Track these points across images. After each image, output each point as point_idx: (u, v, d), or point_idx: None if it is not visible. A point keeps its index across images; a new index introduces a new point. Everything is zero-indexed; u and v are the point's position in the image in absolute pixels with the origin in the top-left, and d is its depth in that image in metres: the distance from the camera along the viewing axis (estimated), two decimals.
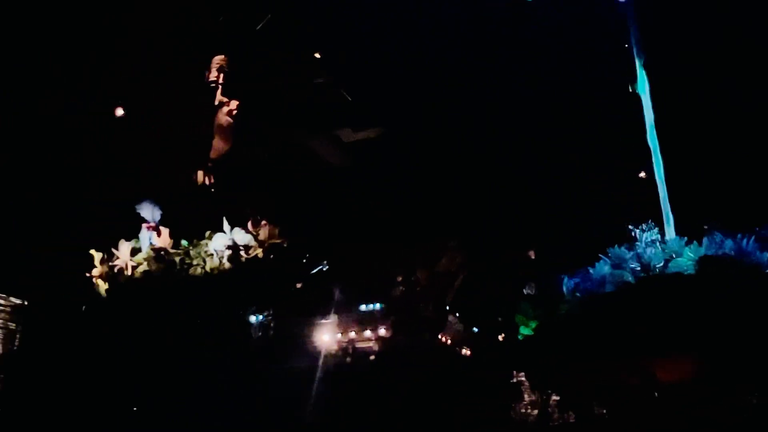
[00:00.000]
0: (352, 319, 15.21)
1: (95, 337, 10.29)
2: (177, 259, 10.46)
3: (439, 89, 13.69)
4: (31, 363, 10.81)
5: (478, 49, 12.92)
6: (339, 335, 15.13)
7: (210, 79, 10.97)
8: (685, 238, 9.54)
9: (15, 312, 11.10)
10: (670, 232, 10.06)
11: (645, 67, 10.78)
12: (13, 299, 11.08)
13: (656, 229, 9.87)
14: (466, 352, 16.68)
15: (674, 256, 9.25)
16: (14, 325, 11.08)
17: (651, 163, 11.07)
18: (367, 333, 15.28)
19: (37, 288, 11.03)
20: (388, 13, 12.34)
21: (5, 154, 10.63)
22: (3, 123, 10.17)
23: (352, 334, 15.31)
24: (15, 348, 11.05)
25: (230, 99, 11.03)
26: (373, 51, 12.71)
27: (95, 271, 10.39)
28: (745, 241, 9.08)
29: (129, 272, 10.35)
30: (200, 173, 10.74)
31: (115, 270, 10.36)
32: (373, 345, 15.31)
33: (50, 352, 10.71)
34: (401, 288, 14.51)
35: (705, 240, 9.31)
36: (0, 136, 10.28)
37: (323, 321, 14.01)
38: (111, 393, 10.48)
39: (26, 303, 11.13)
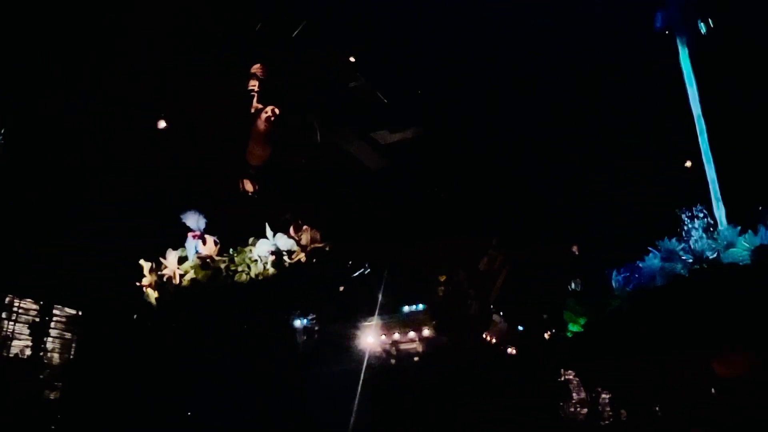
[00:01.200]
0: (396, 320, 15.19)
1: (147, 344, 10.54)
2: (222, 266, 10.63)
3: (475, 87, 13.56)
4: (88, 371, 11.15)
5: (516, 45, 12.75)
6: (383, 337, 15.13)
7: (249, 87, 11.11)
8: (739, 227, 9.19)
9: (70, 322, 11.47)
10: (723, 220, 9.70)
11: (689, 48, 10.44)
12: (68, 309, 11.45)
13: (707, 219, 9.54)
14: (511, 350, 16.48)
15: (728, 246, 8.92)
16: (70, 334, 11.46)
17: (697, 151, 10.72)
18: (411, 334, 15.23)
19: (91, 298, 11.36)
20: (421, 13, 12.29)
21: (64, 170, 10.96)
22: (64, 135, 10.48)
23: (396, 336, 15.29)
24: (71, 357, 11.41)
25: (267, 105, 11.14)
26: (407, 50, 12.67)
27: (145, 281, 10.62)
28: None
29: (177, 281, 10.56)
30: (243, 181, 10.88)
31: (164, 279, 10.58)
32: (417, 346, 15.26)
33: (105, 360, 11.02)
34: (444, 288, 14.42)
35: (760, 228, 8.96)
36: (62, 149, 10.58)
37: (367, 323, 14.03)
38: (164, 399, 10.72)
39: (80, 313, 11.48)
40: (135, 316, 10.72)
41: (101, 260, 11.07)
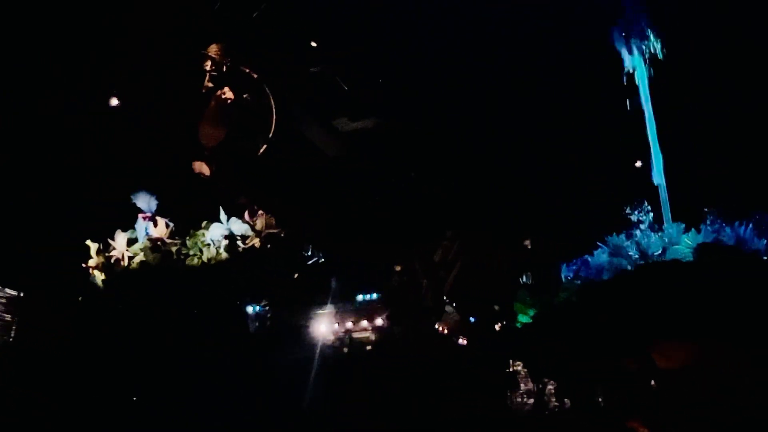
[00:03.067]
0: (349, 309, 15.18)
1: (92, 327, 10.25)
2: (174, 249, 10.44)
3: (435, 79, 13.62)
4: (27, 354, 10.77)
5: (476, 39, 12.86)
6: (336, 325, 15.12)
7: (206, 69, 10.87)
8: (683, 226, 9.58)
9: (11, 303, 11.05)
10: (668, 219, 10.10)
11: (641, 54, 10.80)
12: (8, 291, 11.02)
13: (653, 217, 9.91)
14: (462, 341, 16.70)
15: (672, 243, 9.28)
16: (9, 316, 11.04)
17: (647, 151, 11.11)
18: (364, 323, 15.26)
19: (34, 279, 10.97)
20: (385, 1, 12.25)
21: (1, 148, 10.54)
22: (13, 110, 10.08)
23: (349, 325, 15.30)
24: (10, 339, 11.01)
25: (222, 86, 10.94)
26: (370, 39, 12.62)
27: (92, 262, 10.36)
28: (743, 228, 9.12)
29: (125, 263, 10.33)
30: (197, 163, 10.68)
31: (112, 261, 10.33)
32: (370, 335, 15.30)
33: (46, 344, 10.67)
34: (398, 278, 14.48)
35: (703, 227, 9.35)
36: (7, 125, 10.17)
37: (320, 311, 13.99)
38: (107, 384, 10.46)
39: (22, 294, 11.08)
40: (80, 298, 10.41)
41: (45, 240, 10.70)
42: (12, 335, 10.95)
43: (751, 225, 9.12)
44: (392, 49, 12.85)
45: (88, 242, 10.37)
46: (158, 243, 10.38)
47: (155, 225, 10.49)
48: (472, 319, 16.76)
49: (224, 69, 10.90)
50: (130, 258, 10.35)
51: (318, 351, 12.53)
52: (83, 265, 10.33)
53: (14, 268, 10.84)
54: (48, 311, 10.76)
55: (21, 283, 11.01)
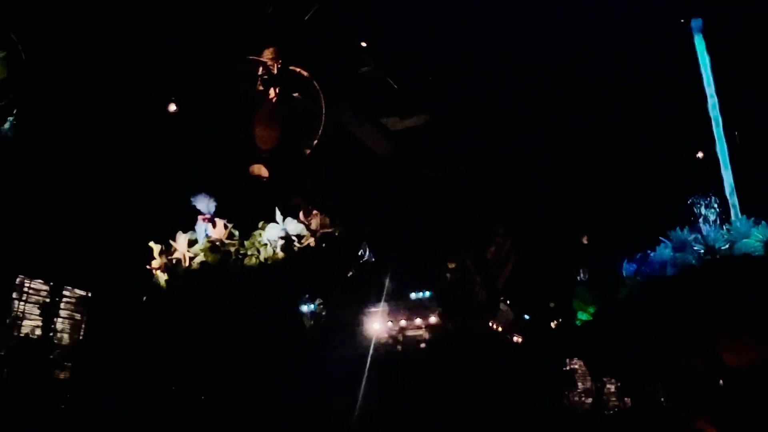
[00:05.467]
0: (402, 307, 15.23)
1: (157, 326, 10.59)
2: (232, 249, 10.64)
3: (487, 76, 13.46)
4: (97, 352, 11.22)
5: (528, 32, 12.64)
6: (389, 323, 15.19)
7: (260, 72, 11.05)
8: (752, 219, 9.16)
9: (80, 303, 11.52)
10: (736, 212, 9.67)
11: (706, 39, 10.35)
12: (77, 291, 11.50)
13: (720, 210, 9.51)
14: (517, 339, 16.53)
15: (741, 237, 8.89)
16: (79, 315, 11.52)
17: (711, 141, 10.65)
18: (418, 321, 15.29)
19: (101, 280, 11.41)
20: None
21: (65, 149, 10.96)
22: (63, 118, 10.50)
23: (403, 323, 15.35)
24: (81, 338, 11.48)
25: (275, 88, 11.08)
26: (420, 36, 12.58)
27: (155, 263, 10.64)
28: None
29: (186, 263, 10.58)
30: (255, 166, 10.87)
31: (174, 261, 10.60)
32: (423, 333, 15.32)
33: (114, 342, 11.09)
34: (451, 275, 14.43)
35: None
36: (56, 131, 10.59)
37: (374, 309, 14.07)
38: (172, 382, 10.79)
39: (90, 294, 11.53)
40: (144, 298, 10.75)
41: (112, 242, 11.10)
42: (82, 334, 11.44)
43: None
44: (442, 47, 12.77)
45: (152, 244, 10.67)
46: (217, 244, 10.59)
47: (214, 226, 10.71)
48: (526, 317, 16.57)
49: (276, 71, 11.05)
50: (191, 258, 10.60)
51: (371, 349, 12.60)
52: (147, 266, 10.64)
53: (83, 269, 11.31)
54: (115, 311, 11.19)
55: (89, 283, 11.48)
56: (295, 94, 10.90)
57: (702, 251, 9.01)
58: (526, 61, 12.85)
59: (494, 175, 14.91)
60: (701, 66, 10.26)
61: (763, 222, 8.98)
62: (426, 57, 13.00)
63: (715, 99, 10.22)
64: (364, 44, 12.27)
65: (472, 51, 13.05)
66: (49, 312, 11.18)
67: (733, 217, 9.49)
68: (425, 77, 13.59)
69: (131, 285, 10.95)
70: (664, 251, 9.35)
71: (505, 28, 12.56)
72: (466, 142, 14.33)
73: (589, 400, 14.94)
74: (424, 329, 15.22)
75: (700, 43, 10.38)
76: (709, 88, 10.24)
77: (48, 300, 11.19)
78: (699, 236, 9.14)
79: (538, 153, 14.37)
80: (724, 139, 10.35)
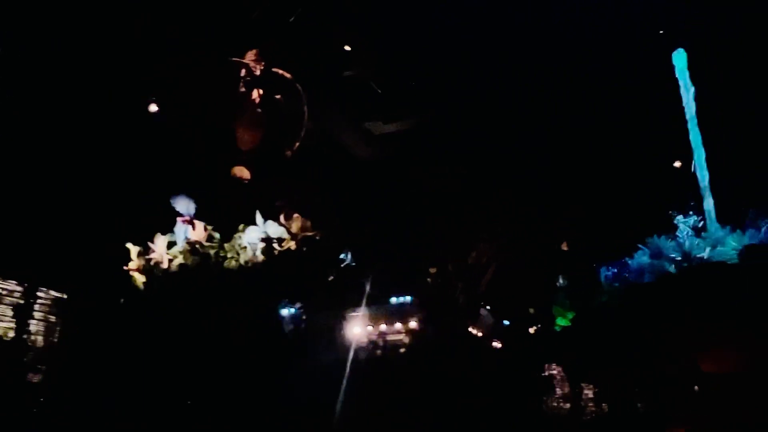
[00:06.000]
0: (383, 311, 15.22)
1: (133, 329, 10.44)
2: (212, 252, 10.54)
3: (470, 82, 13.55)
4: (72, 355, 11.03)
5: (509, 38, 12.75)
6: (370, 328, 15.16)
7: (242, 75, 11.00)
8: (728, 227, 9.33)
9: (55, 305, 11.33)
10: (712, 220, 9.84)
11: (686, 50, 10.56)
12: (53, 292, 11.31)
13: (697, 218, 9.66)
14: (496, 344, 16.58)
15: (717, 245, 9.05)
16: (54, 318, 11.32)
17: (688, 149, 10.82)
18: (398, 326, 15.29)
19: (77, 281, 11.24)
20: (419, 4, 12.24)
21: (42, 150, 10.81)
22: (44, 118, 10.35)
23: (383, 327, 15.33)
24: (55, 340, 11.29)
25: (258, 90, 11.04)
26: (405, 43, 12.63)
27: (132, 265, 10.50)
28: None
29: (165, 265, 10.46)
30: (236, 168, 10.80)
31: (152, 263, 10.47)
32: (403, 338, 15.31)
33: (90, 344, 10.91)
34: (432, 281, 14.46)
35: (748, 228, 9.10)
36: (39, 132, 10.44)
37: (354, 314, 14.03)
38: (147, 384, 10.63)
39: (66, 296, 11.35)
40: (121, 301, 10.61)
41: (88, 243, 10.94)
42: (56, 336, 11.23)
43: None
44: (426, 52, 12.83)
45: (129, 245, 10.54)
46: (196, 246, 10.48)
47: (194, 228, 10.60)
48: (506, 322, 16.64)
49: (258, 72, 11.01)
50: (170, 261, 10.48)
51: (351, 353, 12.57)
52: (124, 268, 10.50)
53: (59, 271, 11.13)
54: (91, 313, 11.02)
55: (65, 284, 11.30)
56: (278, 96, 10.86)
57: (678, 258, 9.15)
58: (509, 63, 12.95)
59: (479, 181, 15.00)
60: (683, 96, 10.43)
61: (738, 230, 9.16)
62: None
63: (693, 111, 10.40)
64: (347, 48, 12.29)
65: (457, 55, 13.13)
66: (23, 314, 10.97)
67: (709, 225, 9.65)
68: (409, 82, 13.64)
69: (108, 287, 10.79)
70: (642, 258, 9.49)
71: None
72: (462, 143, 14.40)
73: (567, 405, 15.01)
74: (404, 334, 15.22)
75: (682, 73, 10.58)
76: (688, 102, 10.42)
77: (22, 302, 10.99)
78: (676, 244, 9.29)
79: (523, 160, 14.49)
80: (701, 148, 10.55)
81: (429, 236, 14.09)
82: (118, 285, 10.50)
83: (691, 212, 9.70)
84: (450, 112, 13.82)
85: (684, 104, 10.48)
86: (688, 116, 10.56)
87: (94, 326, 11.14)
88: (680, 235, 9.42)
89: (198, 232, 10.61)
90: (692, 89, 10.50)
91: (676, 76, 10.59)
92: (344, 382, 11.40)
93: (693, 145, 10.46)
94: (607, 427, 12.20)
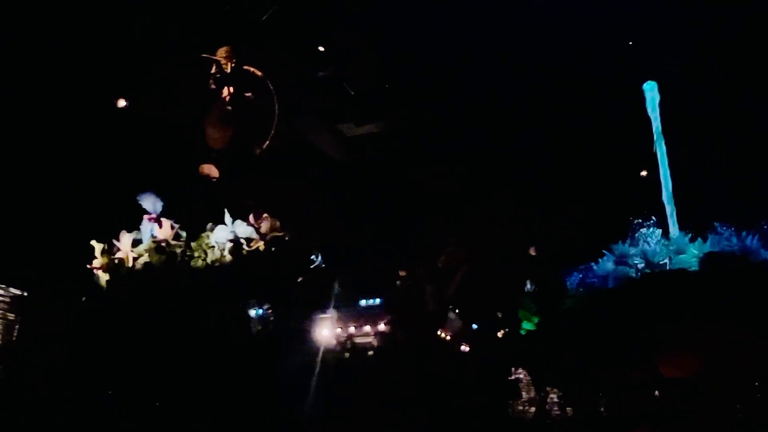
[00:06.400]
0: (352, 314, 15.18)
1: (95, 328, 10.21)
2: (178, 250, 10.37)
3: (442, 85, 13.64)
4: (31, 354, 10.74)
5: (481, 45, 12.87)
6: (338, 330, 15.10)
7: (213, 71, 10.87)
8: (689, 235, 9.57)
9: (14, 303, 11.02)
10: (674, 228, 10.09)
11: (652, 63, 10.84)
12: (12, 290, 11.00)
13: (659, 231, 9.91)
14: (465, 348, 16.65)
15: (678, 252, 9.27)
16: (13, 316, 11.00)
17: (653, 159, 11.10)
18: (367, 328, 15.26)
19: (38, 279, 10.96)
20: (395, 5, 12.28)
21: (5, 144, 10.54)
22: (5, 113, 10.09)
23: (352, 330, 15.29)
24: (14, 339, 10.97)
25: (228, 88, 10.92)
26: (378, 44, 12.65)
27: (96, 263, 10.27)
28: (750, 238, 9.12)
29: (130, 264, 10.26)
30: (205, 166, 10.66)
31: (116, 261, 10.26)
32: (372, 340, 15.28)
33: (50, 343, 10.63)
34: (401, 283, 14.47)
35: (710, 237, 9.35)
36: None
37: (323, 316, 13.95)
38: (110, 385, 10.41)
39: (26, 294, 11.04)
40: (83, 299, 10.37)
41: (50, 239, 10.68)
42: (15, 335, 10.92)
43: (758, 235, 9.12)
44: (400, 55, 12.87)
45: (93, 242, 10.31)
46: (163, 244, 10.30)
47: (160, 226, 10.42)
48: (474, 326, 16.71)
49: (229, 70, 10.90)
50: (135, 259, 10.28)
51: (320, 355, 12.49)
52: (88, 266, 10.26)
53: (18, 268, 10.84)
54: (52, 311, 10.74)
55: (25, 282, 11.00)
56: (248, 94, 10.76)
57: (642, 265, 9.35)
58: (478, 67, 13.06)
59: (448, 185, 15.07)
60: (653, 126, 10.74)
61: (699, 238, 9.40)
62: (384, 64, 13.07)
63: (659, 123, 10.68)
64: (321, 48, 12.25)
65: (430, 58, 13.18)
66: None
67: (671, 233, 9.90)
68: (382, 84, 13.66)
69: (70, 285, 10.55)
70: (607, 264, 9.68)
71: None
72: (422, 151, 14.46)
73: (533, 409, 15.15)
74: (373, 337, 15.20)
75: (652, 104, 10.91)
76: (654, 114, 10.70)
77: None
78: (639, 250, 9.50)
79: (491, 164, 14.62)
80: (666, 159, 10.83)
81: (399, 239, 14.11)
82: (81, 283, 10.27)
83: (654, 219, 9.94)
84: (421, 116, 13.90)
85: (654, 130, 10.77)
86: (653, 127, 10.84)
87: (55, 325, 10.88)
88: (644, 243, 9.63)
89: (164, 231, 10.43)
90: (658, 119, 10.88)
91: (646, 105, 10.94)
92: (312, 384, 11.33)
93: (659, 154, 10.75)
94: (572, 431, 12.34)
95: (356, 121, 13.69)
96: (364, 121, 13.71)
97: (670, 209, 10.39)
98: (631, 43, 12.16)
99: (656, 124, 10.97)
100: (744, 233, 9.20)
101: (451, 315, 16.11)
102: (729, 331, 8.37)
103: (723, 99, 12.59)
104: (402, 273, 14.03)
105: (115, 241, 10.29)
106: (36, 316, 11.01)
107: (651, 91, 11.46)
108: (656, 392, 9.33)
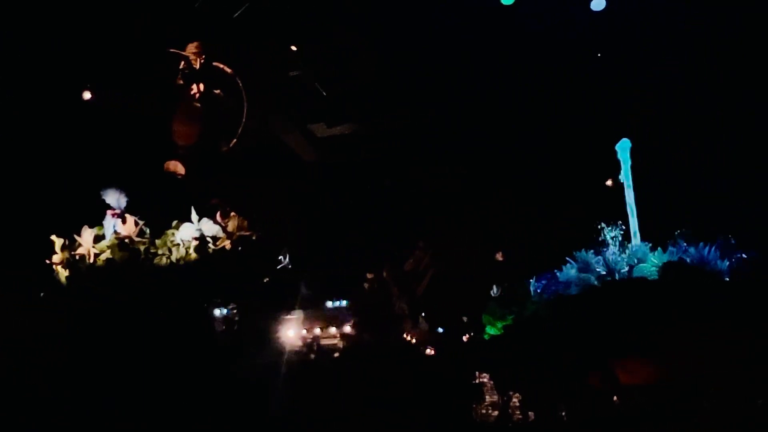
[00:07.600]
0: (318, 315, 15.11)
1: (54, 325, 9.98)
2: (142, 247, 10.23)
3: (413, 87, 13.71)
4: None
5: (456, 47, 12.98)
6: (304, 331, 15.02)
7: (182, 67, 10.75)
8: (650, 245, 9.82)
9: None
10: (636, 237, 10.35)
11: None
12: None
13: (621, 234, 10.13)
14: (429, 351, 16.73)
15: (639, 261, 9.49)
16: None
17: (617, 169, 11.35)
18: (333, 330, 15.20)
19: None
20: (369, 5, 12.29)
21: None
22: None
23: (317, 331, 15.21)
24: None
25: (197, 84, 10.82)
26: (352, 44, 12.65)
27: (56, 258, 10.07)
28: (707, 249, 9.39)
29: (91, 260, 10.07)
30: (171, 162, 10.53)
31: (77, 257, 10.07)
32: (337, 342, 15.24)
33: (6, 340, 10.36)
34: (368, 286, 14.48)
35: (669, 246, 9.60)
36: None
37: (288, 316, 13.88)
38: (68, 383, 10.18)
39: None
40: (42, 295, 10.13)
41: (7, 234, 10.41)
42: None
43: (715, 247, 9.42)
44: (375, 56, 12.90)
45: (53, 237, 10.09)
46: (126, 241, 10.14)
47: (124, 222, 10.26)
48: (440, 330, 16.81)
49: (198, 66, 10.78)
50: (96, 255, 10.10)
51: (285, 356, 12.42)
52: (47, 261, 10.04)
53: None
54: (8, 307, 10.46)
55: None
56: (217, 91, 10.67)
57: (603, 272, 9.55)
58: (452, 71, 13.15)
59: (416, 189, 15.15)
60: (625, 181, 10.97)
61: (659, 248, 9.66)
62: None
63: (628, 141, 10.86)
64: (294, 48, 12.21)
65: (405, 60, 13.22)
66: None
67: (633, 242, 10.14)
68: (355, 85, 13.65)
69: (29, 281, 10.29)
70: (570, 271, 9.87)
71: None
72: (391, 152, 14.50)
73: (496, 413, 15.30)
74: (339, 338, 15.15)
75: (625, 160, 11.18)
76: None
77: None
78: (602, 258, 9.71)
79: (460, 169, 14.73)
80: (629, 170, 11.09)
81: (367, 241, 14.14)
82: (40, 279, 10.04)
83: (618, 229, 10.16)
84: (395, 118, 13.95)
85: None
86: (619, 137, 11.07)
87: (13, 322, 10.60)
88: (606, 251, 9.86)
89: (128, 227, 10.28)
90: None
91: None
92: (276, 384, 11.25)
93: (622, 165, 10.99)
94: None
95: (328, 122, 13.68)
96: (336, 122, 13.71)
97: (632, 221, 10.66)
98: (600, 55, 12.39)
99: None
100: (701, 244, 9.51)
101: (417, 318, 16.17)
102: (686, 338, 8.59)
103: (691, 110, 12.88)
104: (369, 275, 14.06)
105: (76, 236, 10.10)
106: None
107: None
108: (614, 398, 9.51)
